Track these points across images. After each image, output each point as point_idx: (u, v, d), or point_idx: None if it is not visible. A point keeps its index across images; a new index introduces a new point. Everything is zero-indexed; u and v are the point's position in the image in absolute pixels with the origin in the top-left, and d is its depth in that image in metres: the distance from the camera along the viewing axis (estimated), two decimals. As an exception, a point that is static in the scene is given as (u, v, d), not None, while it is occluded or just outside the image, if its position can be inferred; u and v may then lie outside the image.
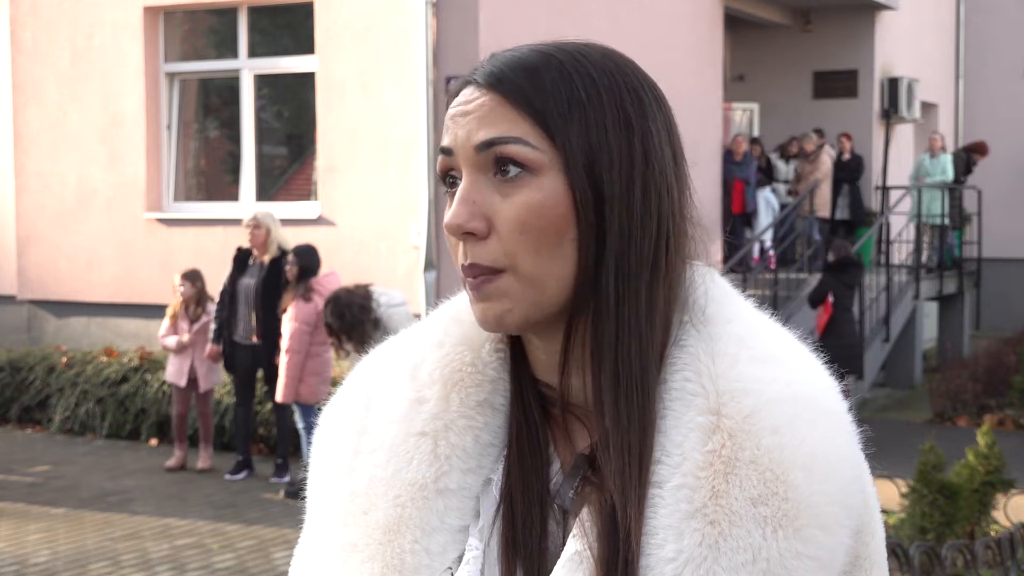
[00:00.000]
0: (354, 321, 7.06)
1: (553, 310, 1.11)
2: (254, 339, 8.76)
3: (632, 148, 1.11)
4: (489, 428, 1.16)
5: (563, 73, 1.11)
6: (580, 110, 1.10)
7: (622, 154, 1.10)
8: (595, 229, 1.09)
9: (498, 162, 1.10)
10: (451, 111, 1.14)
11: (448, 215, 1.11)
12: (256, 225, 8.76)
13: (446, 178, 1.14)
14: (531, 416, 1.16)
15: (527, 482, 1.13)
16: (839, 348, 10.93)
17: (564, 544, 1.11)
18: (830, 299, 10.98)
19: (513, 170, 1.09)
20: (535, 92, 1.10)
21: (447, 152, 1.13)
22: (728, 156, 14.28)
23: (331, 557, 1.15)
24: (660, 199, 1.11)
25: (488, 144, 1.09)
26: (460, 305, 1.21)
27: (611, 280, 1.09)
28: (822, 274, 11.36)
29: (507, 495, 1.13)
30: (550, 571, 1.10)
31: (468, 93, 1.13)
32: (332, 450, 1.20)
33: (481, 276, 1.10)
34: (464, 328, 1.19)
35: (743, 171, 14.43)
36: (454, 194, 1.12)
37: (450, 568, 1.12)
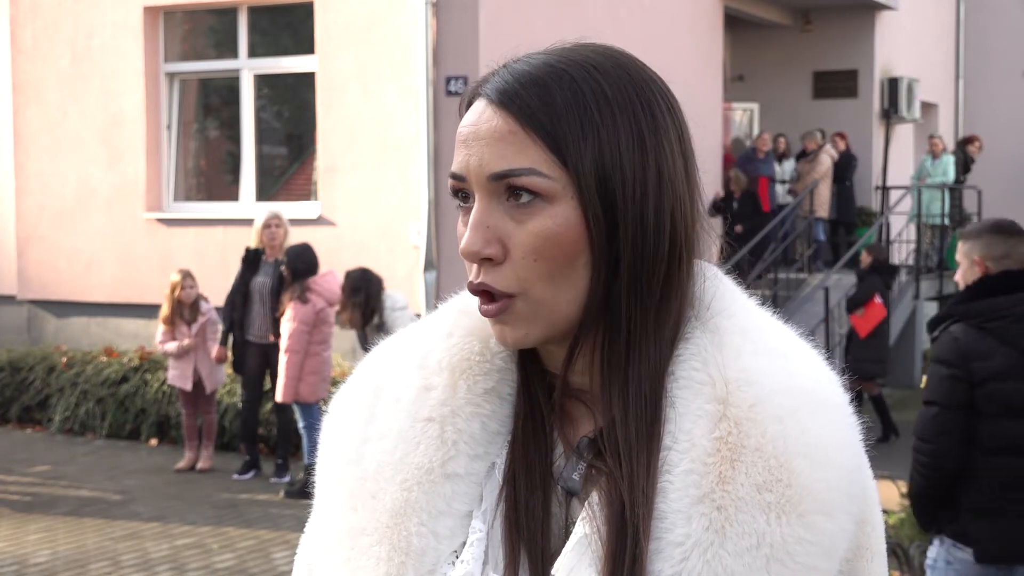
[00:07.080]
0: (369, 297, 7.58)
1: (567, 327, 1.12)
2: (271, 338, 8.70)
3: (646, 167, 1.10)
4: (496, 416, 1.17)
5: (576, 91, 1.09)
6: (593, 132, 1.08)
7: (635, 174, 1.09)
8: (608, 251, 1.09)
9: (511, 188, 1.10)
10: (462, 130, 1.13)
11: (463, 241, 1.11)
12: (279, 224, 8.78)
13: (457, 194, 1.14)
14: (536, 402, 1.16)
15: (530, 465, 1.14)
16: (884, 349, 10.93)
17: (567, 526, 1.12)
18: (878, 300, 10.85)
19: (526, 197, 1.09)
20: (547, 115, 1.08)
21: (458, 178, 1.12)
22: (752, 153, 14.32)
23: (340, 541, 1.16)
24: (673, 214, 1.11)
25: (501, 176, 1.09)
26: (469, 299, 1.22)
27: (623, 300, 1.10)
28: (861, 276, 11.22)
29: (510, 478, 1.14)
30: (553, 552, 1.11)
31: (479, 110, 1.12)
32: (341, 437, 1.21)
33: (493, 304, 1.11)
34: (473, 320, 1.20)
35: (768, 168, 14.41)
36: (467, 211, 1.12)
37: (456, 551, 1.13)
